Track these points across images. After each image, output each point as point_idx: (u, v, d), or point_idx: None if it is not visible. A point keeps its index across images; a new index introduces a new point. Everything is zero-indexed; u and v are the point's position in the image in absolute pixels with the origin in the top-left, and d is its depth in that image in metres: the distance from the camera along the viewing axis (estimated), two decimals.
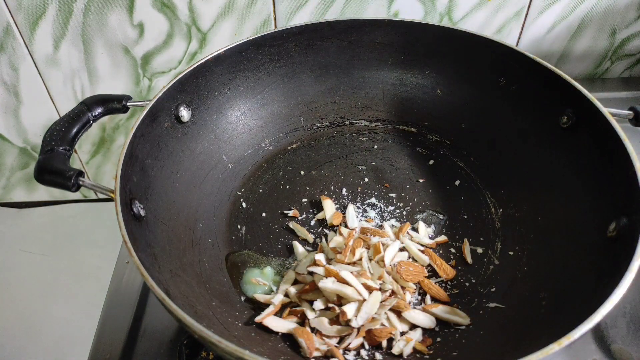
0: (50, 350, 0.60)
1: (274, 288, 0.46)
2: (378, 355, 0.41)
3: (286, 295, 0.44)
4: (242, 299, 0.45)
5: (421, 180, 0.55)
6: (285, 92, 0.58)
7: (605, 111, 0.44)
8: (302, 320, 0.42)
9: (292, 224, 0.51)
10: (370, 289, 0.42)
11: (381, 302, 0.42)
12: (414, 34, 0.56)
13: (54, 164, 0.44)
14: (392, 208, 0.52)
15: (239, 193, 0.54)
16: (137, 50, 0.67)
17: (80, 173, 0.43)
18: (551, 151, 0.49)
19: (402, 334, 0.42)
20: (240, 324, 0.42)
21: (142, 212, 0.43)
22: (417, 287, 0.45)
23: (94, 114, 0.48)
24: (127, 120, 0.75)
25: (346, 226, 0.50)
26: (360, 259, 0.45)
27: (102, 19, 0.64)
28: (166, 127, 0.49)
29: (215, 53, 0.52)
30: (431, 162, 0.56)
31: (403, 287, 0.44)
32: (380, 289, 0.43)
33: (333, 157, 0.58)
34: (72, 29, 0.65)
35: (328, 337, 0.41)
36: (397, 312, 0.42)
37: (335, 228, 0.50)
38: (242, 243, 0.49)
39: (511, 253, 0.47)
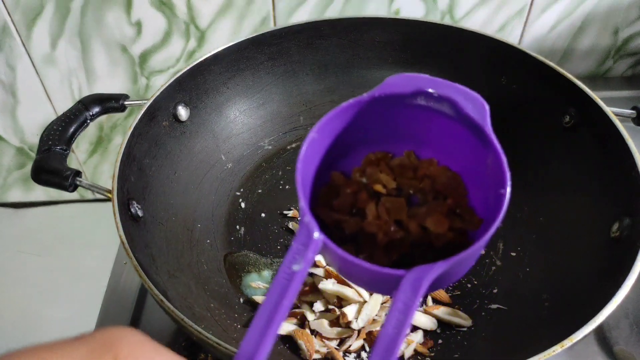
0: None
1: None
2: None
3: None
4: (241, 300, 0.45)
5: None
6: (285, 91, 0.58)
7: (608, 110, 0.43)
8: (302, 322, 0.42)
9: (291, 225, 0.50)
10: None
11: (382, 303, 0.42)
12: (415, 32, 0.55)
13: (51, 164, 0.43)
14: None
15: (238, 193, 0.53)
16: (134, 49, 0.67)
17: (78, 173, 0.43)
18: (553, 151, 0.49)
19: None
20: (239, 326, 0.42)
21: (140, 213, 0.43)
22: None
23: (91, 113, 0.48)
24: (124, 119, 0.75)
25: None
26: None
27: (100, 17, 0.64)
28: (164, 126, 0.49)
29: (214, 51, 0.51)
30: None
31: None
32: None
33: None
34: (70, 28, 0.65)
35: (328, 339, 0.41)
36: None
37: None
38: (241, 244, 0.49)
39: (513, 254, 0.47)
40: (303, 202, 0.25)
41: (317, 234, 0.24)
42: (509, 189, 0.24)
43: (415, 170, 0.28)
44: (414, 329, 0.42)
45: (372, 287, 0.27)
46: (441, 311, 0.42)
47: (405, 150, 0.30)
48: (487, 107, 0.27)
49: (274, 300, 0.22)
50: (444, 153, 0.29)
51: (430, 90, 0.27)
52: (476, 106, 0.26)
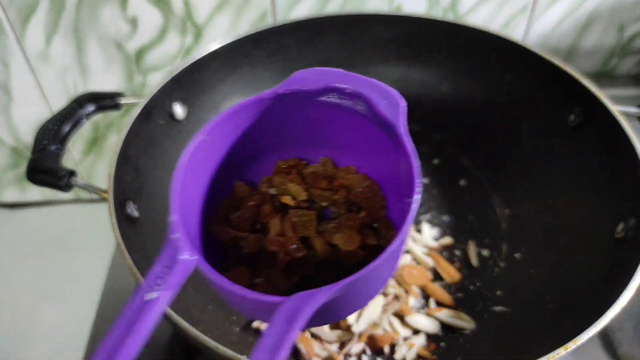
0: (41, 355, 0.59)
1: None
2: None
3: None
4: None
5: (425, 180, 0.54)
6: None
7: (614, 109, 0.43)
8: None
9: None
10: None
11: (383, 306, 0.41)
12: (418, 29, 0.54)
13: (46, 164, 0.43)
14: None
15: None
16: (130, 46, 0.66)
17: (73, 173, 0.42)
18: (558, 150, 0.48)
19: (405, 339, 0.41)
20: (237, 329, 0.42)
21: (136, 213, 0.42)
22: (420, 290, 0.44)
23: (86, 112, 0.47)
24: (120, 118, 0.74)
25: None
26: None
27: (95, 13, 0.63)
28: (160, 125, 0.48)
29: (212, 49, 0.51)
30: (435, 161, 0.55)
31: (406, 291, 0.43)
32: (382, 293, 0.42)
33: None
34: (65, 24, 0.64)
35: (328, 342, 0.40)
36: (400, 316, 0.41)
37: None
38: None
39: (517, 255, 0.46)
40: (174, 216, 0.21)
41: (184, 255, 0.20)
42: (417, 197, 0.21)
43: (331, 180, 0.25)
44: (416, 332, 0.41)
45: (254, 314, 0.23)
46: (444, 314, 0.42)
47: (322, 156, 0.26)
48: (402, 104, 0.23)
49: (114, 339, 0.17)
50: (363, 159, 0.25)
51: (339, 85, 0.23)
52: (391, 103, 0.23)
